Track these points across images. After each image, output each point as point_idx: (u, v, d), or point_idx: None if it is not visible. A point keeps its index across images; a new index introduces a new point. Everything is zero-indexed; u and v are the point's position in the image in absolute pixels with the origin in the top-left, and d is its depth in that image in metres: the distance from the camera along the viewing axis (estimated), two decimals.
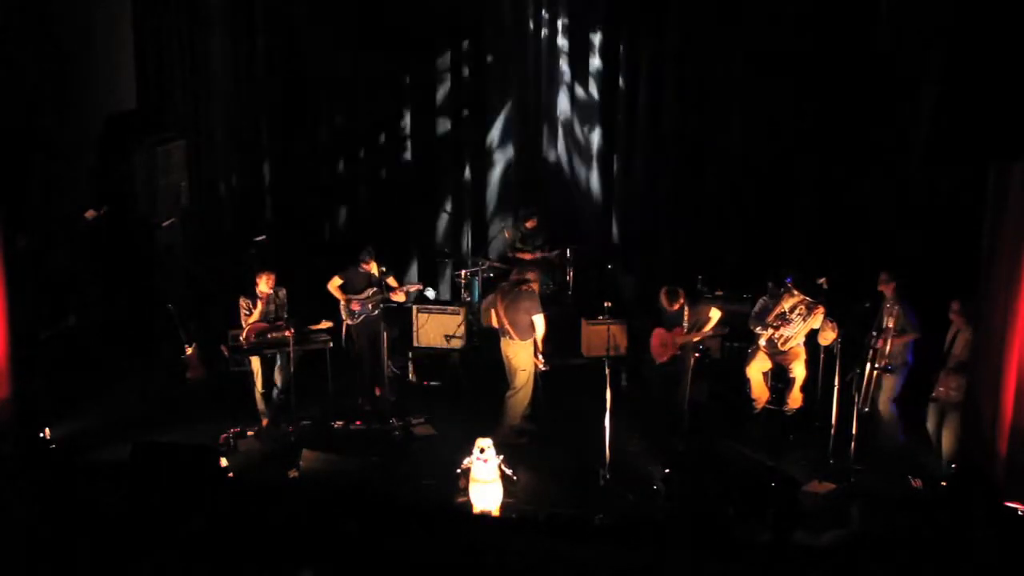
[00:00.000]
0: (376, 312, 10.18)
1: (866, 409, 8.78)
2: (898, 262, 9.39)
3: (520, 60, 12.95)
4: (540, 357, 9.35)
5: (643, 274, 12.41)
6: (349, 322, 10.21)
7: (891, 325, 8.66)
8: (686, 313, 9.40)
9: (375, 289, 10.15)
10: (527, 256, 11.82)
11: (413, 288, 10.61)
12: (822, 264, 10.10)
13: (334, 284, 10.14)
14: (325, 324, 9.77)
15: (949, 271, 9.17)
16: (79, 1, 11.35)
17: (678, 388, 9.54)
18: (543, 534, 6.18)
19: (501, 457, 8.11)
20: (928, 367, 8.64)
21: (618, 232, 12.92)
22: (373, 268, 10.12)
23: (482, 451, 7.94)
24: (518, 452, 8.80)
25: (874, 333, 8.74)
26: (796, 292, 9.17)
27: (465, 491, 8.04)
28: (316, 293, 10.41)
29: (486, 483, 7.92)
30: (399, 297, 10.43)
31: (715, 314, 9.52)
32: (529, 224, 12.16)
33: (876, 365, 8.69)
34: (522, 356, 9.27)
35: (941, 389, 8.40)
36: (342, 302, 10.16)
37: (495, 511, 7.89)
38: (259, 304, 9.50)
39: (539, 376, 9.47)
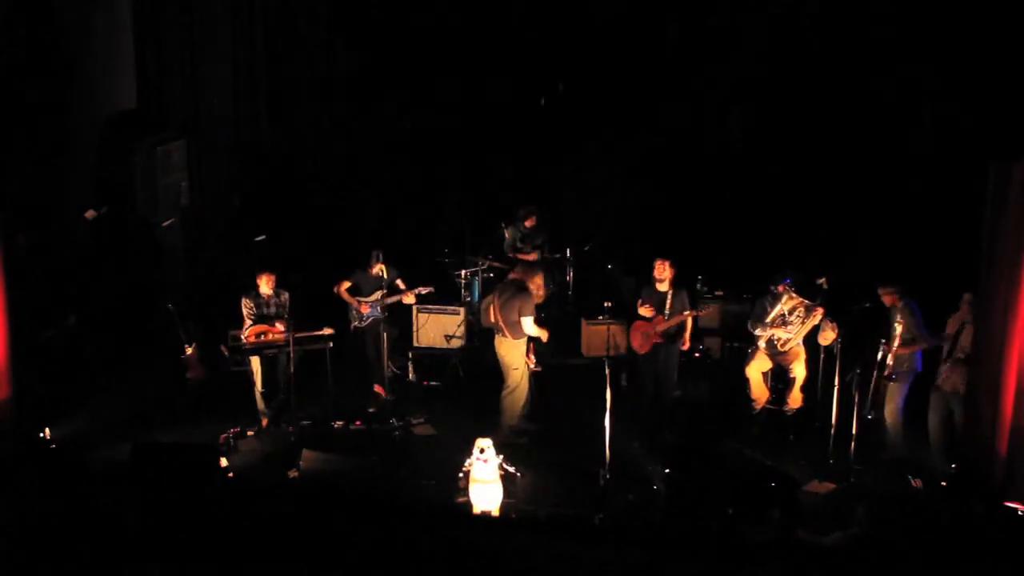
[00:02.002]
0: (385, 314, 10.16)
1: (870, 416, 8.77)
2: (897, 263, 9.38)
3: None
4: (532, 357, 9.35)
5: (643, 274, 12.39)
6: (358, 324, 10.19)
7: (898, 334, 8.59)
8: (669, 300, 9.40)
9: (384, 291, 10.13)
10: (528, 257, 11.79)
11: (424, 290, 10.56)
12: (822, 264, 10.09)
13: (343, 288, 10.12)
14: (327, 331, 9.58)
15: (949, 271, 9.15)
16: (79, 1, 11.34)
17: (666, 382, 9.55)
18: (543, 534, 6.17)
19: (501, 457, 8.11)
20: (932, 367, 8.64)
21: (618, 232, 12.91)
22: (382, 270, 10.10)
23: (482, 451, 7.93)
24: (518, 452, 8.79)
25: (883, 340, 8.70)
26: (795, 295, 9.17)
27: (465, 491, 8.04)
28: (316, 293, 10.39)
29: (486, 483, 7.91)
30: (409, 299, 10.41)
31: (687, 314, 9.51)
32: (528, 223, 12.14)
33: (883, 375, 8.68)
34: (514, 354, 9.26)
35: (947, 380, 8.40)
36: (352, 305, 10.14)
37: (495, 511, 7.90)
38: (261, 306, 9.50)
39: (532, 376, 9.46)
